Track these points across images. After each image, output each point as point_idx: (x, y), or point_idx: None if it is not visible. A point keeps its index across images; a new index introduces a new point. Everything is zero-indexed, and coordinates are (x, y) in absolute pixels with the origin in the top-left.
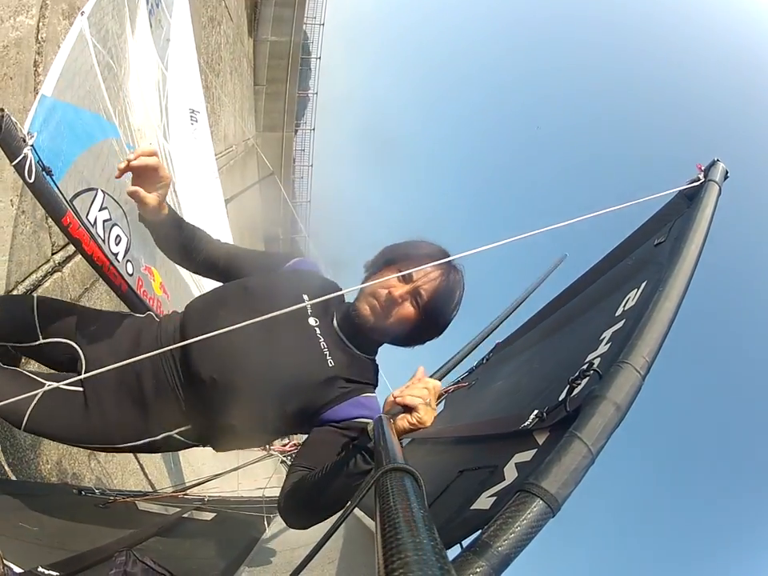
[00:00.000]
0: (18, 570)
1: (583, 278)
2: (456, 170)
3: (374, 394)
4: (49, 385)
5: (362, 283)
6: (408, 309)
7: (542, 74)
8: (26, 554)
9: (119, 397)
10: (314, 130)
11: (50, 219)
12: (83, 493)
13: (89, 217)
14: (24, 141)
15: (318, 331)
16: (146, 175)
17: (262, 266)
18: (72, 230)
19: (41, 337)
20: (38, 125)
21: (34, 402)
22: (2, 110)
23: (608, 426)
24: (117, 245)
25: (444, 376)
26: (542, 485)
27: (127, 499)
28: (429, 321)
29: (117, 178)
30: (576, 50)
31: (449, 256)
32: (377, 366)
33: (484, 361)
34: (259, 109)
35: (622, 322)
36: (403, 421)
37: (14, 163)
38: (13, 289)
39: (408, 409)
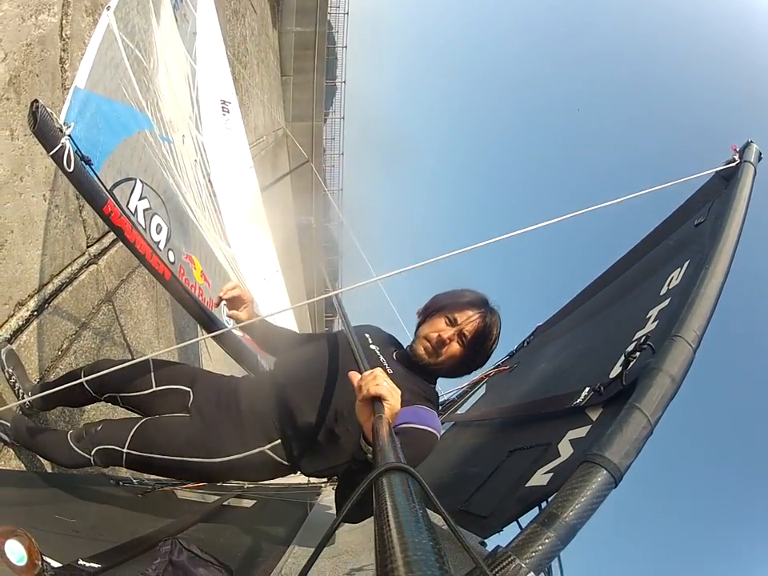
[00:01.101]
0: (56, 564)
1: (623, 259)
2: (484, 154)
3: (432, 410)
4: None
5: (416, 330)
6: (455, 347)
7: (569, 62)
8: (64, 547)
9: (219, 416)
10: (343, 118)
11: (84, 212)
12: (121, 483)
13: (129, 206)
14: (61, 131)
15: (377, 352)
16: (234, 301)
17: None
18: (114, 218)
19: (154, 386)
20: (73, 115)
21: (138, 424)
22: (36, 101)
23: (665, 397)
24: (158, 233)
25: None
26: (606, 455)
27: (166, 488)
28: (473, 355)
29: (215, 306)
30: (600, 37)
31: (488, 302)
32: (436, 392)
33: (525, 344)
34: (287, 99)
35: (668, 300)
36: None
37: (51, 153)
38: (48, 282)
39: (378, 400)
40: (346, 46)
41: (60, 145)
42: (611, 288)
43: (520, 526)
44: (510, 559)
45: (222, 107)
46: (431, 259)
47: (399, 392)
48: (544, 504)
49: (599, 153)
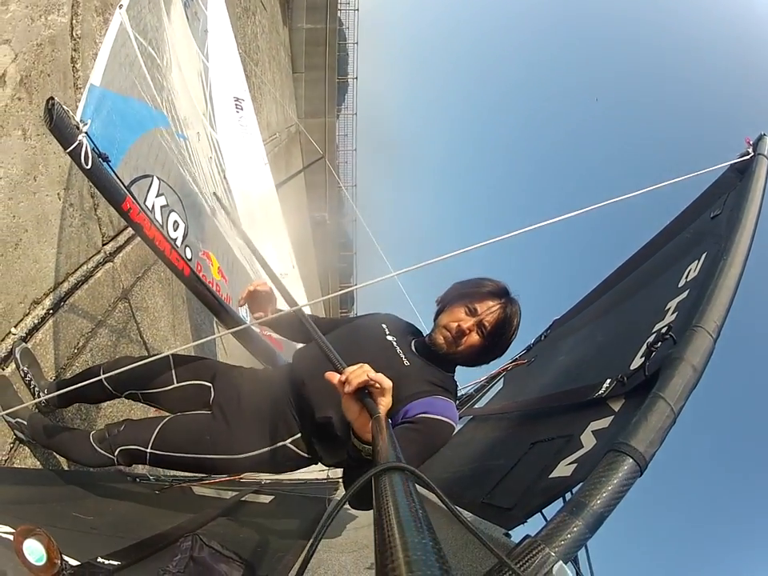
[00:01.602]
0: (74, 562)
1: (640, 253)
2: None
3: (448, 399)
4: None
5: (435, 318)
6: (474, 337)
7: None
8: (83, 545)
9: (241, 412)
10: (355, 114)
11: (98, 210)
12: (137, 480)
13: (146, 203)
14: (77, 128)
15: (394, 343)
16: (260, 297)
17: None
18: (132, 215)
19: (175, 382)
20: (89, 113)
21: (161, 425)
22: (52, 98)
23: (687, 386)
24: (175, 230)
25: None
26: (631, 443)
27: (183, 485)
28: (492, 346)
29: (240, 305)
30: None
31: (508, 291)
32: (455, 381)
33: (542, 338)
34: (299, 96)
35: (686, 292)
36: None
37: (68, 150)
38: (64, 280)
39: (368, 396)
40: (357, 42)
41: (77, 142)
42: (628, 281)
43: (544, 517)
44: (539, 548)
45: (236, 104)
46: (448, 254)
47: (390, 383)
48: (568, 495)
49: (615, 146)
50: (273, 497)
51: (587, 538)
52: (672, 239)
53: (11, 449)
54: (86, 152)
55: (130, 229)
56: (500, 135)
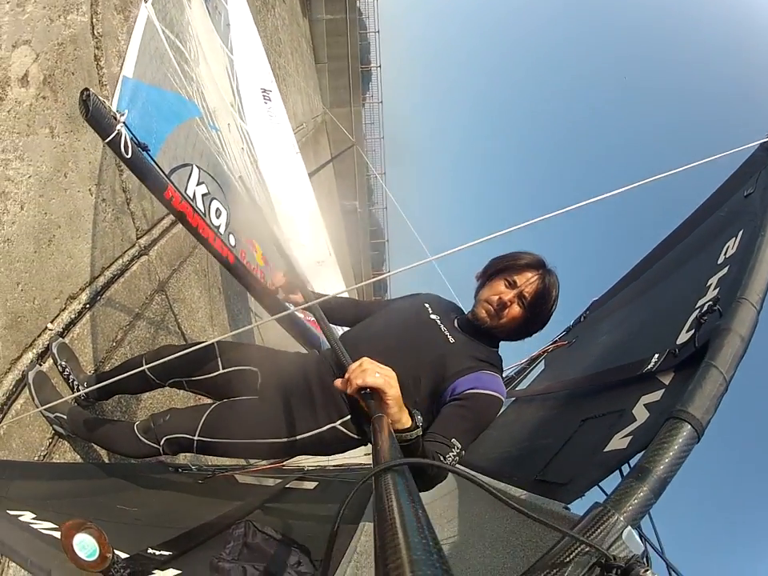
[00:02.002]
0: (123, 555)
1: (675, 233)
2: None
3: (495, 373)
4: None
5: (476, 294)
6: (516, 309)
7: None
8: (129, 537)
9: (288, 396)
10: (381, 102)
11: (131, 204)
12: (179, 470)
13: (187, 191)
14: (115, 118)
15: (438, 321)
16: (287, 286)
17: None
18: (175, 203)
19: (221, 368)
20: (125, 104)
21: (207, 412)
22: (87, 89)
23: (736, 355)
24: (218, 218)
25: None
26: (689, 410)
27: (226, 473)
28: (534, 317)
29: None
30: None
31: (545, 263)
32: (500, 356)
33: (581, 319)
34: (324, 86)
35: (726, 268)
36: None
37: (107, 140)
38: (99, 275)
39: (369, 396)
40: (378, 31)
41: (116, 132)
42: (665, 261)
43: (603, 490)
44: (609, 514)
45: (264, 95)
46: (486, 237)
47: (395, 376)
48: (624, 467)
49: (647, 127)
50: (317, 483)
51: (652, 503)
52: (706, 219)
53: (50, 444)
54: (126, 142)
55: (164, 221)
56: (533, 114)
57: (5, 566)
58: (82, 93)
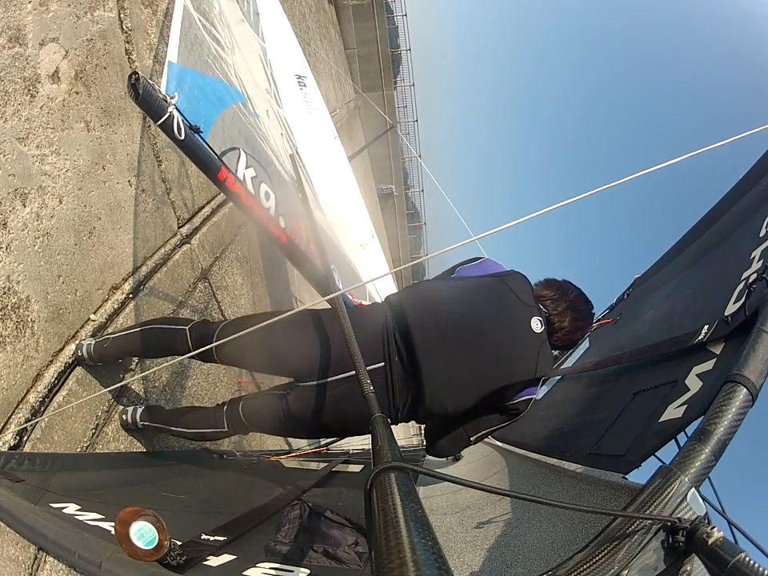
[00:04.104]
0: (177, 542)
1: (716, 207)
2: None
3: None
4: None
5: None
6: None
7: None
8: (181, 524)
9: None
10: (413, 85)
11: (171, 194)
12: (225, 456)
13: (237, 174)
14: (166, 101)
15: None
16: None
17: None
18: (229, 184)
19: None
20: (172, 88)
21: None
22: (135, 72)
23: None
24: (267, 201)
25: None
26: (745, 374)
27: (272, 458)
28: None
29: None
30: None
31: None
32: None
33: (624, 296)
34: (354, 71)
35: None
36: None
37: (159, 123)
38: (142, 264)
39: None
40: (405, 14)
41: (168, 114)
42: (707, 236)
43: (659, 459)
44: (675, 475)
45: (299, 82)
46: (528, 216)
47: None
48: (680, 437)
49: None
50: (363, 466)
51: (713, 465)
52: (746, 193)
53: (93, 435)
54: (178, 124)
55: (204, 210)
56: (571, 94)
57: (41, 560)
58: (130, 76)
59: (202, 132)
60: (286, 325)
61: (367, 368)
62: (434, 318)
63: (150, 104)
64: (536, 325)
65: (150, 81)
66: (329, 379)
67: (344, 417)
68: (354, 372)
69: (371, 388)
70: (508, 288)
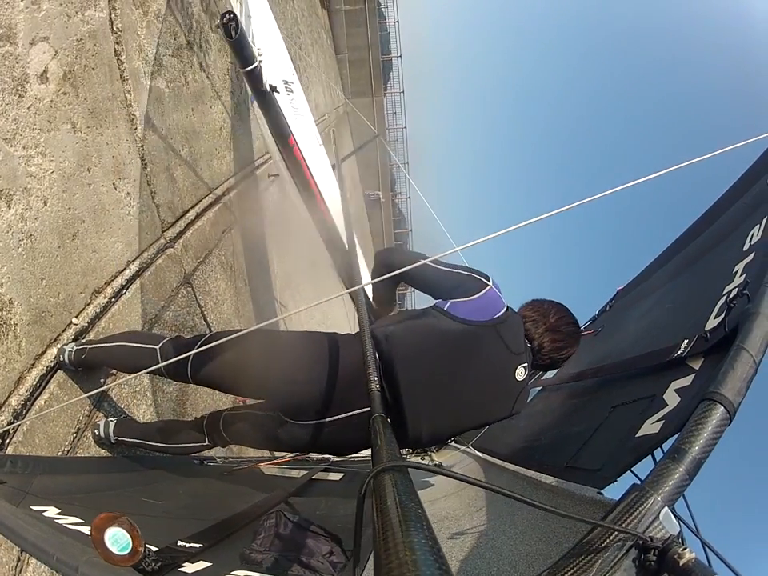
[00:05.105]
0: (153, 548)
1: (699, 221)
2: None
3: None
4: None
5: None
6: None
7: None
8: (159, 529)
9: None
10: (403, 92)
11: (156, 198)
12: (205, 462)
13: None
14: (259, 52)
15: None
16: None
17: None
18: (296, 152)
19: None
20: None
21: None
22: (231, 11)
23: (766, 338)
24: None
25: None
26: (722, 392)
27: (253, 465)
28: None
29: None
30: None
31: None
32: None
33: (606, 308)
34: (345, 77)
35: (752, 254)
36: None
37: (246, 69)
38: (125, 268)
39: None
40: (397, 21)
41: (257, 64)
42: (690, 250)
43: (636, 475)
44: (647, 495)
45: (286, 87)
46: (512, 227)
47: None
48: (657, 452)
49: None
50: (342, 474)
51: (687, 484)
52: (730, 207)
53: (74, 439)
54: (262, 76)
55: (189, 214)
56: (558, 103)
57: (24, 563)
58: (224, 15)
59: (278, 92)
60: (283, 355)
61: (354, 412)
62: (420, 361)
63: (242, 47)
64: (520, 372)
65: (243, 27)
66: (326, 419)
67: (342, 444)
68: (356, 411)
69: (377, 386)
70: (499, 338)
